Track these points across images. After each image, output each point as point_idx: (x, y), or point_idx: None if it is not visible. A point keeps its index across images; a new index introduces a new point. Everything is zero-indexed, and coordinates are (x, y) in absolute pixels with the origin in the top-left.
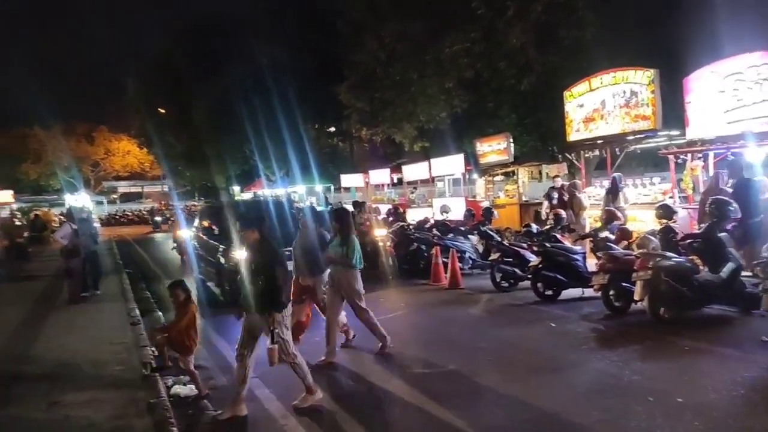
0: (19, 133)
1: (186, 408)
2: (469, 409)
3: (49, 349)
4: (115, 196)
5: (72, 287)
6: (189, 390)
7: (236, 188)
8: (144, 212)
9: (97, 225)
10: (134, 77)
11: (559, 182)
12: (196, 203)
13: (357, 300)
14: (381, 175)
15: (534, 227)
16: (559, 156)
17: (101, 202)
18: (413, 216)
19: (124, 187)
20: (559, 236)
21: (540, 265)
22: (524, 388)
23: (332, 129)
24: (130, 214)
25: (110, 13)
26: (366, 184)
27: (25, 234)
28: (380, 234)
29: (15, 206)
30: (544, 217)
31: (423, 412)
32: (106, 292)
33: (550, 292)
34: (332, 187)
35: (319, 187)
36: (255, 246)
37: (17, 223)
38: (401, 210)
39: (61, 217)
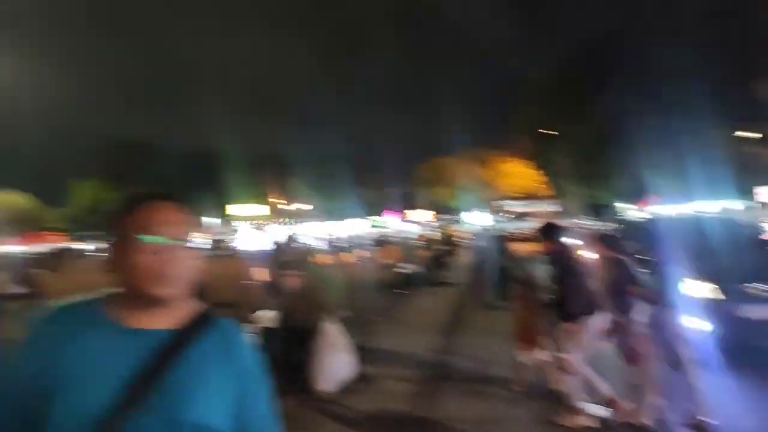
0: (435, 162)
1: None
2: None
3: (469, 347)
4: (508, 216)
5: (482, 296)
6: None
7: (624, 205)
8: (533, 231)
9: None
10: (521, 101)
11: None
12: (585, 222)
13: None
14: None
15: None
16: None
17: (497, 222)
18: None
19: (511, 206)
20: None
21: None
22: None
23: (748, 134)
24: (520, 232)
25: (493, 47)
26: None
27: (439, 247)
28: None
29: (436, 223)
30: None
31: None
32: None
33: None
34: (745, 203)
35: (734, 204)
36: (551, 257)
37: (433, 237)
38: None
39: (471, 236)
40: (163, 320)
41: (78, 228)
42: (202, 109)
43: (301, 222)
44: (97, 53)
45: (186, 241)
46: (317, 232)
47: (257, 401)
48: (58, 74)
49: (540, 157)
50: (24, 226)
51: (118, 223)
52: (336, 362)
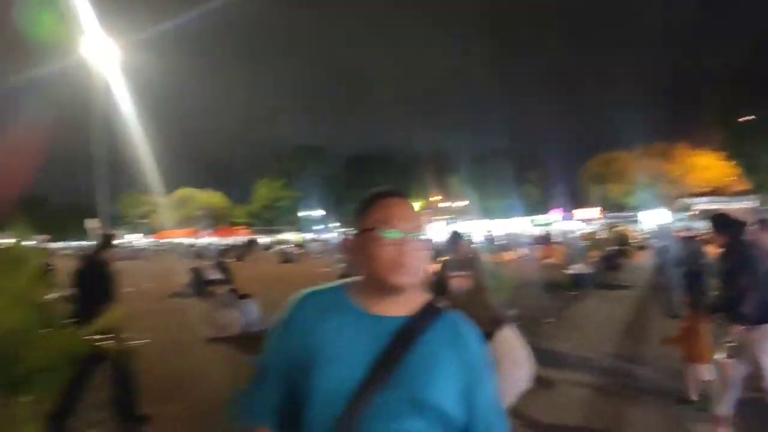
0: (606, 157)
1: None
2: None
3: (651, 356)
4: (693, 213)
5: (664, 301)
6: None
7: None
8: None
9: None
10: (710, 86)
11: None
12: None
13: None
14: None
15: None
16: None
17: (678, 220)
18: None
19: (700, 203)
20: None
21: None
22: None
23: None
24: (706, 231)
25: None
26: None
27: (611, 247)
28: None
29: (603, 221)
30: None
31: None
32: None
33: None
34: None
35: None
36: (725, 251)
37: (601, 236)
38: None
39: (648, 235)
40: (399, 308)
41: (259, 223)
42: (368, 113)
43: (460, 219)
44: (278, 71)
45: (419, 234)
46: (477, 230)
47: (484, 392)
48: (248, 91)
49: (733, 148)
50: (217, 221)
51: (360, 219)
52: (517, 376)
